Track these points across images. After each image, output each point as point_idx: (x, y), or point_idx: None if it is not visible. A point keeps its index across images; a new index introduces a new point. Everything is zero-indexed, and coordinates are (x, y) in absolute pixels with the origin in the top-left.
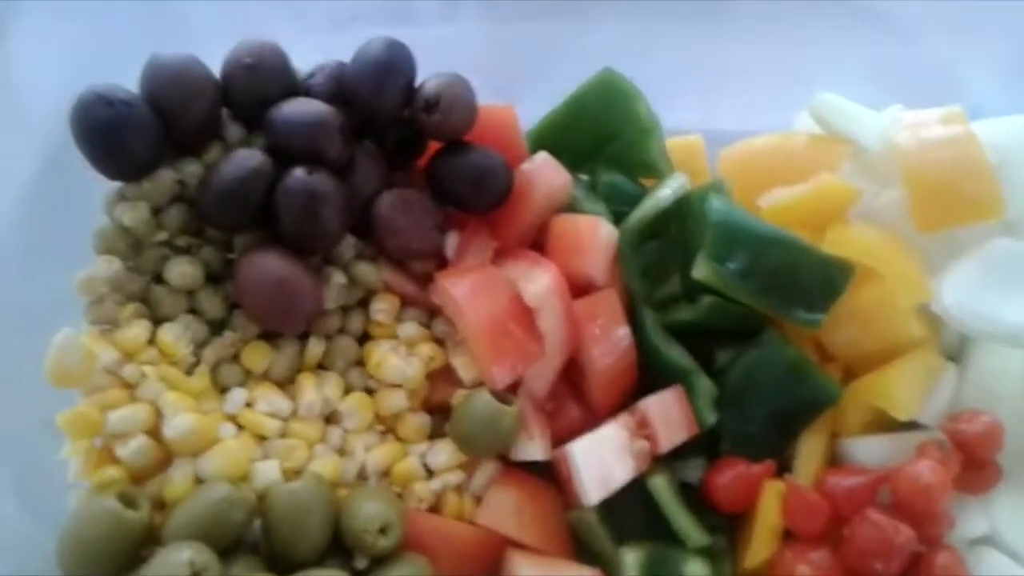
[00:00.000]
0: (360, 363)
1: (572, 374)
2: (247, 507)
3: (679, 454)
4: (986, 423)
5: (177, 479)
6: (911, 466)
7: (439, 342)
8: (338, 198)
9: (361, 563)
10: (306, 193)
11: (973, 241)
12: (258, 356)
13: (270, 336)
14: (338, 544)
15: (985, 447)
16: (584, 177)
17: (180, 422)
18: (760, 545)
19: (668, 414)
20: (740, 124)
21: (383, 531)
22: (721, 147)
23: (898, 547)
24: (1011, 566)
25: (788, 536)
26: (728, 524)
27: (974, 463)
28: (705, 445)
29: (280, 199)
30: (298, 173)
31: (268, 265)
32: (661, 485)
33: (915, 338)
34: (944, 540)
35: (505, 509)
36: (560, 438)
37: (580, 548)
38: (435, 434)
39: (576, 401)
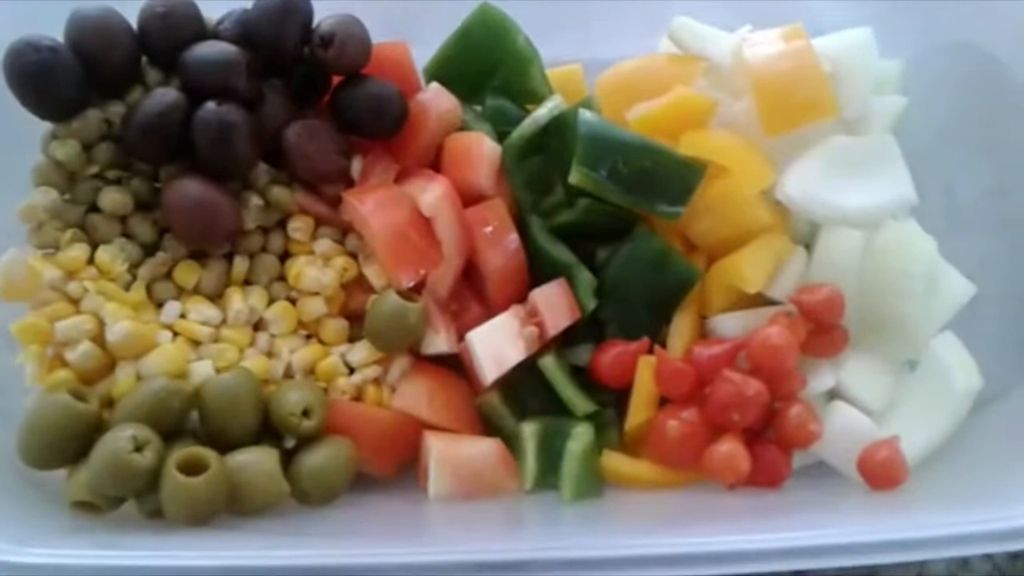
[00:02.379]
0: (282, 278)
1: (472, 277)
2: (184, 396)
3: (571, 342)
4: (827, 292)
5: (121, 379)
6: (761, 332)
7: (352, 256)
8: (247, 127)
9: (289, 443)
10: (217, 123)
11: (815, 141)
12: (188, 273)
13: (199, 256)
14: (269, 430)
15: (828, 314)
16: (477, 108)
17: (120, 328)
18: (638, 409)
19: (553, 303)
20: (615, 52)
21: (306, 414)
22: (600, 74)
23: (750, 399)
24: (856, 414)
25: (664, 403)
26: (616, 400)
27: (821, 329)
28: (593, 333)
29: (196, 130)
30: (210, 105)
31: (189, 189)
32: (550, 363)
33: (763, 223)
34: (798, 397)
35: (417, 396)
36: (464, 333)
37: (487, 427)
38: (354, 337)
39: (476, 300)
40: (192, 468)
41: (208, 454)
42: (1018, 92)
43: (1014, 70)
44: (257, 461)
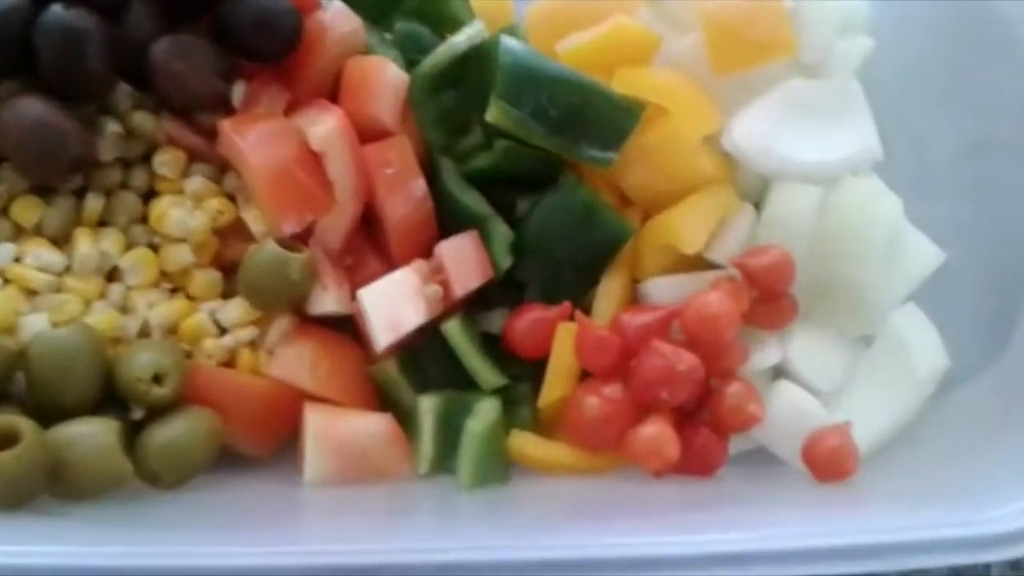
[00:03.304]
0: (146, 222)
1: (372, 227)
2: (3, 355)
3: (487, 305)
4: (776, 256)
5: None
6: (698, 298)
7: (230, 198)
8: (102, 38)
9: (137, 414)
10: (63, 30)
11: (771, 85)
12: (27, 210)
13: (44, 192)
14: (115, 399)
15: (775, 280)
16: (388, 35)
17: None
18: (553, 384)
19: (462, 259)
20: None
21: (158, 380)
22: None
23: (681, 374)
24: (803, 395)
25: (586, 378)
26: (533, 374)
27: (767, 297)
28: (511, 297)
29: (38, 38)
30: (56, 9)
31: (27, 108)
32: (454, 328)
33: (705, 175)
34: (738, 373)
35: (299, 362)
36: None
37: (383, 401)
38: (230, 293)
39: (376, 255)
40: (2, 440)
41: (22, 424)
42: (1000, 34)
43: (996, 8)
44: (90, 434)
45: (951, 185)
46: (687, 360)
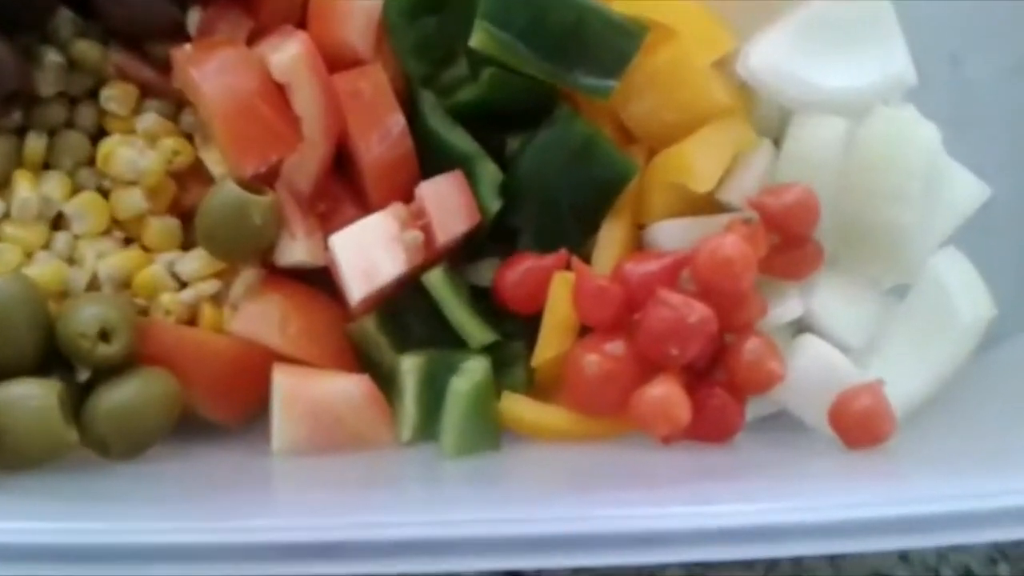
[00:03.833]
0: (94, 163)
1: (348, 170)
2: None
3: (474, 256)
4: (797, 195)
5: None
6: (710, 241)
7: (189, 137)
8: None
9: (83, 376)
10: None
11: (791, 3)
12: None
13: None
14: (60, 358)
15: (797, 221)
16: None
17: None
18: (549, 340)
19: (445, 202)
20: None
21: (105, 337)
22: None
23: (692, 326)
24: (829, 350)
25: (585, 333)
26: (527, 331)
27: (789, 242)
28: (503, 249)
29: None
30: None
31: None
32: (437, 280)
33: (718, 105)
34: (756, 328)
35: (267, 318)
36: None
37: (362, 362)
38: (190, 243)
39: (352, 200)
40: None
41: None
42: None
43: None
44: (27, 396)
45: (995, 112)
46: (698, 310)
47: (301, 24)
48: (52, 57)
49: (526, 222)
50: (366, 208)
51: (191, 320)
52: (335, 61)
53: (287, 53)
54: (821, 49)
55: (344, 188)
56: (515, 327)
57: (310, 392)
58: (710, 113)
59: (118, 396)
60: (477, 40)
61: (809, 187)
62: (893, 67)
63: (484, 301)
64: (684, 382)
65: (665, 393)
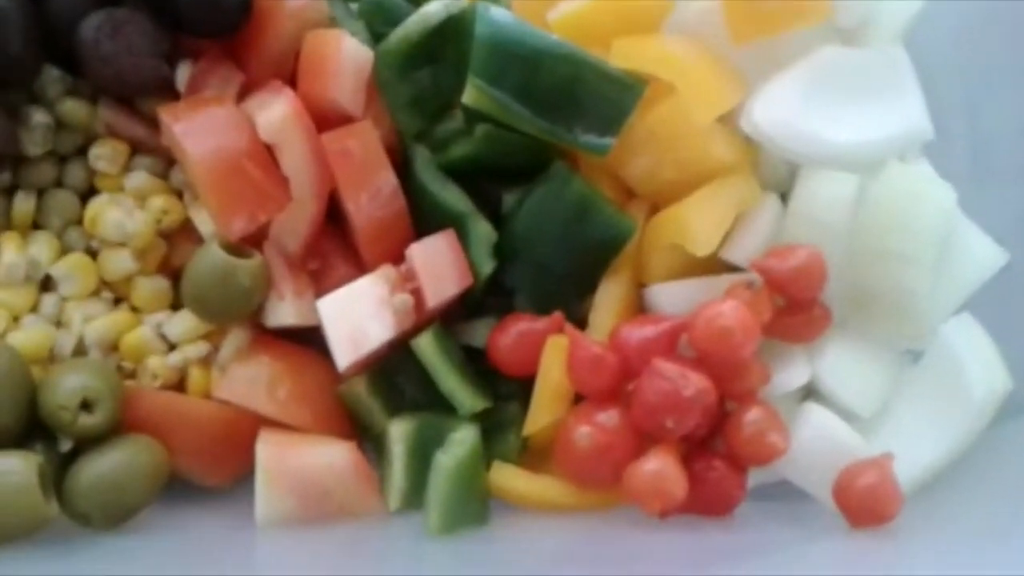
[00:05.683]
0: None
1: (340, 228)
2: None
3: (471, 317)
4: (803, 257)
5: None
6: (709, 309)
7: (179, 195)
8: (19, 15)
9: (66, 446)
10: None
11: (800, 55)
12: None
13: None
14: (42, 428)
15: (803, 285)
16: (353, 5)
17: None
18: (541, 408)
19: (436, 264)
20: None
21: (87, 407)
22: None
23: (688, 400)
24: (834, 421)
25: (579, 400)
26: (524, 393)
27: (795, 305)
28: (498, 304)
29: None
30: None
31: None
32: (426, 344)
33: (720, 163)
34: (759, 396)
35: (255, 383)
36: None
37: (356, 423)
38: (180, 303)
39: (344, 259)
40: None
41: None
42: None
43: None
44: (6, 472)
45: (1015, 171)
46: (695, 383)
47: (292, 76)
48: (40, 118)
49: (521, 282)
50: (359, 265)
51: (179, 382)
52: (324, 118)
53: (274, 113)
54: (831, 101)
55: (336, 245)
56: (510, 388)
57: (293, 462)
58: (712, 170)
59: (100, 468)
60: (469, 97)
61: (816, 250)
62: (908, 120)
63: (479, 361)
64: (681, 453)
65: (659, 468)
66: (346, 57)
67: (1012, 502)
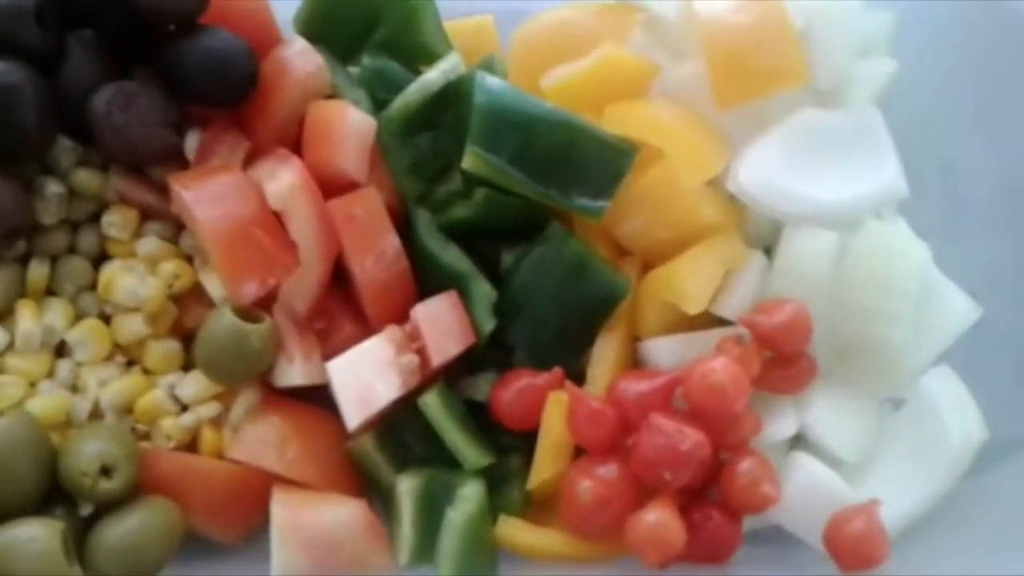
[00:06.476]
0: (97, 287)
1: (346, 286)
2: None
3: (471, 371)
4: (790, 312)
5: None
6: (702, 365)
7: (189, 259)
8: (35, 92)
9: (86, 510)
10: None
11: (782, 117)
12: None
13: None
14: (62, 492)
15: (790, 339)
16: (355, 70)
17: None
18: (544, 462)
19: (440, 324)
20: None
21: (106, 472)
22: (514, 27)
23: (686, 454)
24: (822, 471)
25: (580, 454)
26: (525, 445)
27: (782, 359)
28: (499, 360)
29: None
30: None
31: None
32: (432, 402)
33: (708, 223)
34: (751, 446)
35: (266, 443)
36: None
37: (364, 479)
38: (192, 363)
39: (350, 318)
40: None
41: None
42: None
43: None
44: (30, 539)
45: (986, 227)
46: (691, 438)
47: (296, 142)
48: (53, 188)
49: (520, 338)
50: (364, 324)
51: (191, 443)
52: (330, 184)
53: (283, 182)
54: (811, 161)
55: (342, 305)
56: (510, 441)
57: (307, 520)
58: (702, 229)
59: (121, 531)
60: (468, 163)
61: (802, 305)
62: (884, 179)
63: (480, 415)
64: (678, 504)
65: (658, 520)
66: (351, 127)
67: (990, 547)
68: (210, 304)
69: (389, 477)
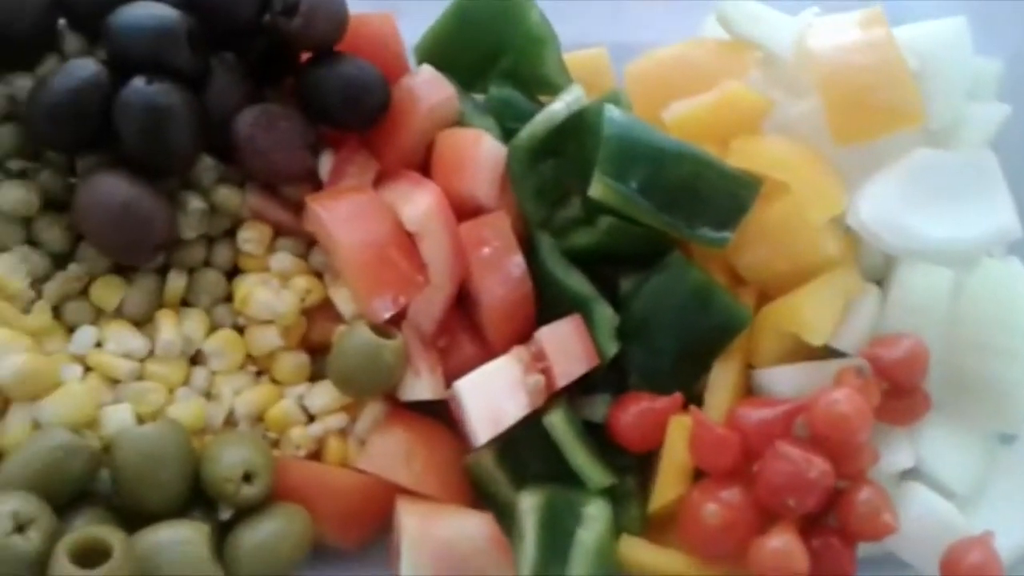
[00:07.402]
0: (230, 299)
1: (467, 307)
2: (87, 455)
3: (585, 391)
4: (909, 346)
5: (13, 426)
6: (826, 395)
7: (318, 275)
8: (186, 112)
9: (226, 514)
10: (146, 106)
11: (895, 154)
12: (109, 292)
13: (125, 270)
14: (202, 495)
15: (908, 373)
16: (479, 97)
17: (12, 363)
18: (667, 484)
19: (565, 345)
20: (649, 34)
21: (248, 479)
22: (630, 61)
23: (811, 481)
24: (938, 501)
25: (701, 476)
26: (639, 465)
27: (899, 391)
28: (613, 382)
29: (118, 114)
30: (136, 84)
31: (110, 188)
32: (558, 422)
33: (829, 257)
34: (868, 475)
35: (392, 453)
36: (455, 376)
37: (480, 495)
38: (317, 376)
39: (471, 337)
40: (90, 555)
41: (111, 537)
42: None
43: None
44: (180, 541)
45: None
46: (818, 466)
47: (423, 166)
48: (196, 204)
49: (636, 362)
50: (483, 343)
51: (317, 452)
52: (461, 209)
53: (420, 207)
54: (927, 199)
55: (462, 323)
56: (625, 461)
57: (436, 531)
58: (822, 263)
59: (259, 535)
60: (596, 192)
61: (921, 339)
62: (999, 220)
63: (595, 434)
64: (799, 529)
65: (784, 545)
66: (485, 154)
67: None
68: (337, 319)
69: (507, 493)
